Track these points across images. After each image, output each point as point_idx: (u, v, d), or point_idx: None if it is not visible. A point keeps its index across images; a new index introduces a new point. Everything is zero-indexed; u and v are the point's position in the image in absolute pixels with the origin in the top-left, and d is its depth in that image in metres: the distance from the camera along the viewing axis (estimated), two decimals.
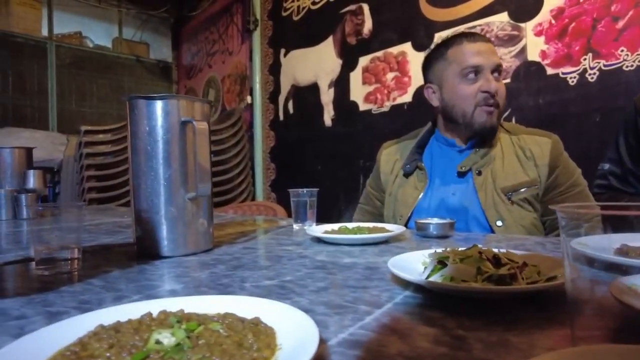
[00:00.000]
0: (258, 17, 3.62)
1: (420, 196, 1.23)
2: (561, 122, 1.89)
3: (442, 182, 1.23)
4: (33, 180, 1.72)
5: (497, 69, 1.16)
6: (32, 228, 0.74)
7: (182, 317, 0.37)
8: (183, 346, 0.32)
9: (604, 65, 1.77)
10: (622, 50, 1.71)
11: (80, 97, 4.35)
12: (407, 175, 1.28)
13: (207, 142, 0.80)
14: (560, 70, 1.91)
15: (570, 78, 1.88)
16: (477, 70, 1.15)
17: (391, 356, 0.33)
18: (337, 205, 2.95)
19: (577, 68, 1.85)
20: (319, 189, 1.18)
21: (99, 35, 4.58)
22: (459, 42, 1.18)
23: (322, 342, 0.36)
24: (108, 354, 0.31)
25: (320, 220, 1.19)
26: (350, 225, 1.02)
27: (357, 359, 0.33)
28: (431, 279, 0.49)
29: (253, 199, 3.60)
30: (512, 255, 0.52)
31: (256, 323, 0.35)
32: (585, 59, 1.83)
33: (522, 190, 1.12)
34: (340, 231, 0.96)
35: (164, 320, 0.37)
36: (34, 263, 0.72)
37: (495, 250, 0.53)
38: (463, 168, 1.18)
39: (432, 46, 1.59)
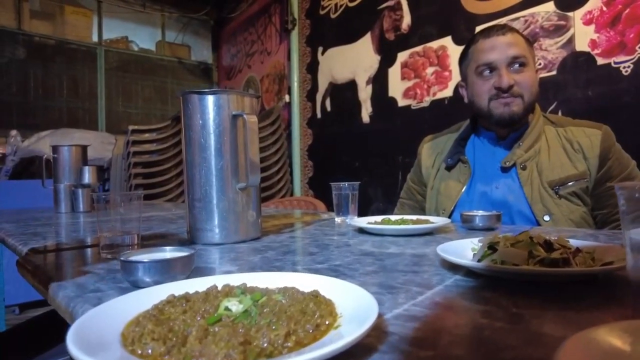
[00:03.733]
0: (296, 16, 3.66)
1: (463, 189, 1.21)
2: (613, 113, 1.81)
3: (484, 176, 1.21)
4: (88, 175, 1.83)
5: (516, 61, 1.12)
6: (98, 217, 0.80)
7: (245, 289, 0.40)
8: (251, 312, 0.34)
9: None
10: None
11: (126, 98, 4.56)
12: (449, 168, 1.27)
13: (257, 135, 0.83)
14: (612, 60, 1.82)
15: (624, 67, 1.79)
16: (491, 67, 1.15)
17: (448, 328, 0.34)
18: (375, 202, 2.95)
19: (632, 57, 1.76)
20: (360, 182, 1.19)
21: (144, 39, 4.78)
22: (476, 40, 1.20)
23: (379, 315, 0.37)
24: (183, 317, 0.34)
25: (359, 216, 1.19)
26: (393, 217, 1.03)
27: (414, 330, 0.34)
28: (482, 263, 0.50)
29: (291, 195, 3.65)
30: (564, 241, 0.52)
31: (315, 295, 0.37)
32: None
33: (570, 183, 1.09)
34: (383, 223, 0.97)
35: (229, 292, 0.40)
36: (98, 248, 0.77)
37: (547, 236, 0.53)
38: (507, 163, 1.16)
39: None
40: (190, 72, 5.01)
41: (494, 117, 1.15)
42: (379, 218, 1.02)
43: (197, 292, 0.41)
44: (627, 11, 1.78)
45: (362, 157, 3.11)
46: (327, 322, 0.32)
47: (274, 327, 0.31)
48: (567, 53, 1.97)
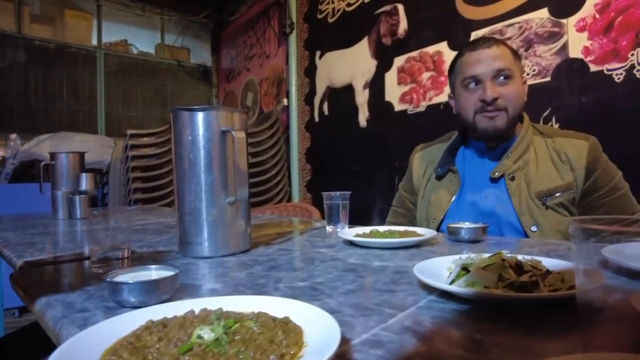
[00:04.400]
0: (294, 20, 3.68)
1: (452, 199, 1.23)
2: (606, 120, 1.82)
3: (474, 186, 1.22)
4: (85, 182, 1.85)
5: (501, 74, 1.14)
6: (90, 228, 0.82)
7: (221, 315, 0.42)
8: (221, 341, 0.36)
9: None
10: None
11: (126, 101, 4.58)
12: (439, 178, 1.29)
13: (245, 150, 0.85)
14: (605, 67, 1.84)
15: (617, 75, 1.80)
16: (476, 80, 1.16)
17: (409, 356, 0.36)
18: (372, 205, 2.96)
19: (624, 64, 1.78)
20: (351, 191, 1.21)
21: (143, 42, 4.80)
22: (463, 53, 1.22)
23: (347, 341, 0.39)
24: (158, 345, 0.36)
25: (356, 219, 1.22)
26: (381, 228, 1.04)
27: (377, 358, 0.36)
28: (454, 284, 0.51)
29: (289, 199, 3.67)
30: (536, 263, 0.53)
31: (286, 322, 0.39)
32: (633, 54, 1.75)
33: (557, 194, 1.11)
34: (371, 234, 0.98)
35: (205, 317, 0.42)
36: (89, 261, 0.79)
37: (520, 257, 0.55)
38: (496, 174, 1.17)
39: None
40: (189, 75, 5.03)
41: (478, 131, 1.18)
42: (367, 229, 1.04)
43: (175, 317, 0.42)
44: (620, 18, 1.79)
45: (359, 161, 3.12)
46: (291, 352, 0.34)
47: (241, 357, 0.33)
48: (561, 59, 1.98)
